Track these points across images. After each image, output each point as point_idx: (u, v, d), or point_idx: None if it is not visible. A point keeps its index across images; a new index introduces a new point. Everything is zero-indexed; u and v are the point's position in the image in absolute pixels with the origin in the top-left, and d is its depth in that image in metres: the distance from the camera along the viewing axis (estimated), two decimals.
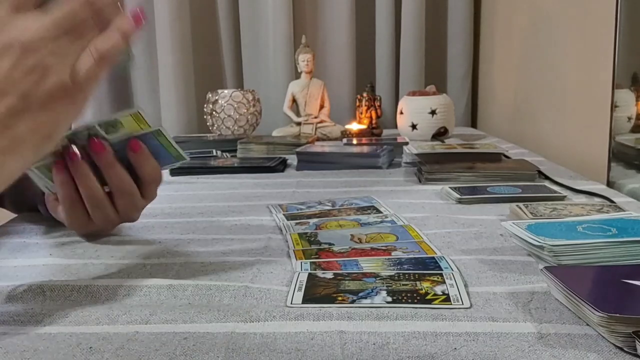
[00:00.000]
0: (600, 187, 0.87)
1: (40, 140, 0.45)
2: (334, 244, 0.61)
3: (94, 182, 0.61)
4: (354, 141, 1.38)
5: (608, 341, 0.39)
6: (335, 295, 0.47)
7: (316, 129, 1.56)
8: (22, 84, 0.43)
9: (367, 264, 0.54)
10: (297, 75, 1.65)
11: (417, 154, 1.06)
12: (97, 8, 0.46)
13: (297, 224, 0.70)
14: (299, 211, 0.77)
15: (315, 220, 0.71)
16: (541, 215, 0.68)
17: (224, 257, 0.59)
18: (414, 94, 1.52)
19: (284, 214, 0.75)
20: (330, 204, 0.80)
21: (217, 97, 1.54)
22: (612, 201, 0.76)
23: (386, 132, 1.59)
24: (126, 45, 0.47)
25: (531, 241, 0.53)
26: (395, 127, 1.56)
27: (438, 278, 0.50)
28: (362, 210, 0.76)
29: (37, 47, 0.44)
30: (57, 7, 0.45)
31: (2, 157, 0.44)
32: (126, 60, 0.50)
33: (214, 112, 1.54)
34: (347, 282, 0.50)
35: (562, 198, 0.79)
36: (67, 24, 0.45)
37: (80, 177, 0.60)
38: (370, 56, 1.88)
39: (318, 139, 1.49)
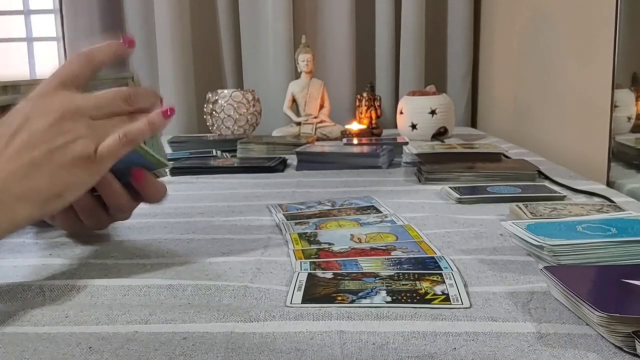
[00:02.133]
0: (600, 187, 0.87)
1: (52, 196, 0.49)
2: (333, 244, 0.61)
3: (87, 196, 0.60)
4: (354, 141, 1.38)
5: (608, 341, 0.39)
6: (334, 295, 0.47)
7: (316, 129, 1.56)
8: (51, 143, 0.49)
9: (367, 264, 0.54)
10: (297, 75, 1.65)
11: (417, 154, 1.06)
12: (133, 99, 0.54)
13: (297, 223, 0.70)
14: (299, 211, 0.77)
15: (315, 220, 0.71)
16: (541, 215, 0.68)
17: (224, 257, 0.59)
18: (413, 93, 1.52)
19: (283, 214, 0.75)
20: (330, 204, 0.80)
21: (217, 97, 1.54)
22: (611, 201, 0.76)
23: (386, 132, 1.59)
24: (153, 132, 0.54)
25: (531, 241, 0.53)
26: (395, 127, 1.56)
27: (438, 278, 0.50)
28: (362, 210, 0.76)
29: (73, 117, 0.50)
30: (100, 94, 0.53)
31: (16, 203, 0.48)
32: (155, 146, 0.58)
33: (214, 112, 1.54)
34: (346, 282, 0.50)
35: (562, 198, 0.79)
36: (104, 105, 0.52)
37: None
38: (370, 56, 1.88)
39: (318, 139, 1.49)
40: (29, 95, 0.52)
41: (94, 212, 0.61)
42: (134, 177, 0.59)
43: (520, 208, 0.70)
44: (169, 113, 0.55)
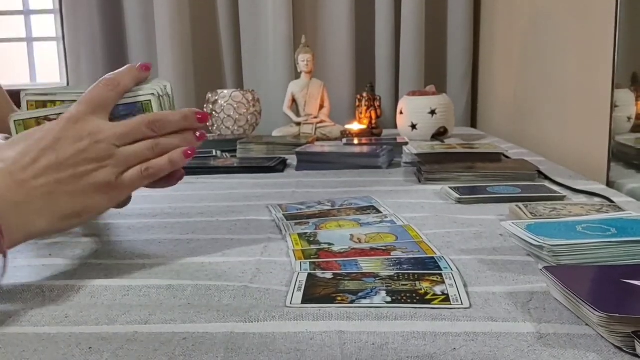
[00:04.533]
0: (600, 187, 0.87)
1: (69, 216, 0.53)
2: (333, 244, 0.61)
3: None
4: (354, 141, 1.38)
5: (607, 341, 0.39)
6: (334, 295, 0.47)
7: (316, 129, 1.56)
8: (77, 168, 0.52)
9: (367, 264, 0.54)
10: (297, 75, 1.65)
11: (417, 154, 1.06)
12: (158, 127, 0.56)
13: (296, 224, 0.70)
14: (299, 211, 0.77)
15: (315, 220, 0.71)
16: (541, 215, 0.68)
17: (224, 257, 0.59)
18: (413, 94, 1.52)
19: (283, 214, 0.75)
20: (330, 204, 0.80)
21: (217, 97, 1.54)
22: (611, 201, 0.76)
23: (386, 132, 1.59)
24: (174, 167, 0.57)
25: (531, 241, 0.53)
26: (395, 127, 1.56)
27: (437, 278, 0.50)
28: (362, 210, 0.76)
29: (103, 143, 0.53)
30: (127, 122, 0.56)
31: (35, 216, 0.50)
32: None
33: (213, 112, 1.54)
34: (346, 282, 0.50)
35: (562, 198, 0.79)
36: (130, 137, 0.55)
37: None
38: (370, 56, 1.88)
39: (318, 139, 1.49)
40: (61, 116, 0.55)
41: None
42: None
43: (520, 208, 0.70)
44: (190, 153, 0.58)
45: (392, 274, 0.51)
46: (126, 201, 0.62)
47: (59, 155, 0.52)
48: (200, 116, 0.58)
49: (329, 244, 0.61)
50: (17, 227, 0.49)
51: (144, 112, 0.59)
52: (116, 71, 0.59)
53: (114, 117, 0.57)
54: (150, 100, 0.59)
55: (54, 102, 0.61)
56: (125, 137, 0.55)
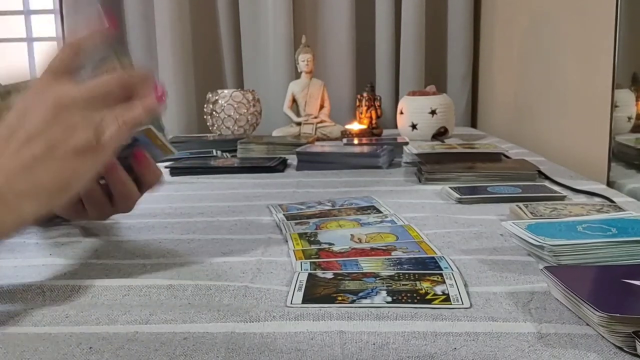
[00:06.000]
0: (600, 187, 0.87)
1: (56, 191, 0.49)
2: (334, 244, 0.61)
3: (94, 184, 0.60)
4: (354, 141, 1.38)
5: (608, 341, 0.39)
6: (335, 295, 0.47)
7: (316, 129, 1.56)
8: (50, 137, 0.48)
9: (367, 264, 0.54)
10: (297, 75, 1.65)
11: (417, 154, 1.06)
12: (127, 84, 0.53)
13: (297, 224, 0.70)
14: (299, 211, 0.77)
15: (315, 220, 0.71)
16: (541, 215, 0.67)
17: (224, 257, 0.59)
18: (414, 94, 1.52)
19: (284, 214, 0.75)
20: (330, 204, 0.80)
21: (217, 97, 1.54)
22: (612, 201, 0.76)
23: (386, 132, 1.59)
24: (149, 116, 0.54)
25: (531, 241, 0.53)
26: (395, 127, 1.56)
27: (438, 278, 0.50)
28: (362, 210, 0.76)
29: (70, 107, 0.50)
30: (95, 81, 0.52)
31: (21, 200, 0.47)
32: (157, 129, 0.58)
33: (214, 112, 1.54)
34: (347, 282, 0.50)
35: (562, 198, 0.79)
36: (98, 93, 0.51)
37: None
38: (370, 56, 1.88)
39: (318, 139, 1.49)
40: (23, 91, 0.52)
41: (99, 200, 0.61)
42: (134, 157, 0.59)
43: (520, 208, 0.70)
44: (163, 98, 0.55)
45: (393, 273, 0.51)
46: (130, 206, 0.62)
47: (28, 129, 0.48)
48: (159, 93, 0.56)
49: (330, 243, 0.61)
50: (5, 216, 0.47)
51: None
52: (80, 34, 0.56)
53: (78, 73, 0.53)
54: (110, 57, 0.57)
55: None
56: (94, 98, 0.51)
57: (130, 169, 0.60)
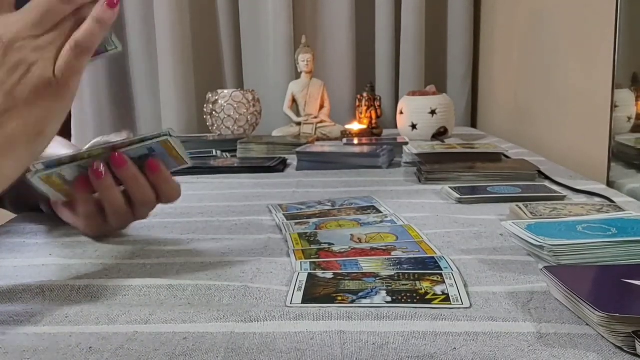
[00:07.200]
0: (600, 187, 0.87)
1: (32, 137, 0.46)
2: (333, 244, 0.61)
3: (117, 193, 0.60)
4: (354, 141, 1.38)
5: (608, 341, 0.39)
6: (335, 295, 0.47)
7: (316, 129, 1.56)
8: (5, 82, 0.44)
9: (367, 264, 0.54)
10: (297, 75, 1.65)
11: (417, 154, 1.06)
12: (73, 3, 0.47)
13: (297, 224, 0.70)
14: (299, 211, 0.77)
15: (315, 220, 0.71)
16: (541, 215, 0.67)
17: (224, 257, 0.59)
18: (414, 94, 1.52)
19: (284, 214, 0.75)
20: (330, 204, 0.80)
21: (217, 97, 1.54)
22: (612, 201, 0.76)
23: (386, 132, 1.59)
24: (106, 33, 0.48)
25: (531, 241, 0.53)
26: (395, 127, 1.56)
27: (438, 278, 0.50)
28: (362, 210, 0.76)
29: (19, 45, 0.44)
30: (34, 5, 0.45)
31: None
32: (113, 49, 0.51)
33: (214, 112, 1.54)
34: (346, 282, 0.50)
35: (562, 198, 0.79)
36: (46, 22, 0.46)
37: (103, 191, 0.60)
38: (370, 56, 1.88)
39: (318, 139, 1.49)
40: None
41: (121, 208, 0.61)
42: (148, 168, 0.59)
43: (520, 208, 0.70)
44: (114, 1, 0.48)
45: (393, 273, 0.51)
46: (148, 213, 0.62)
47: None
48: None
49: (329, 243, 0.61)
50: None
51: None
52: None
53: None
54: None
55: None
56: (40, 24, 0.46)
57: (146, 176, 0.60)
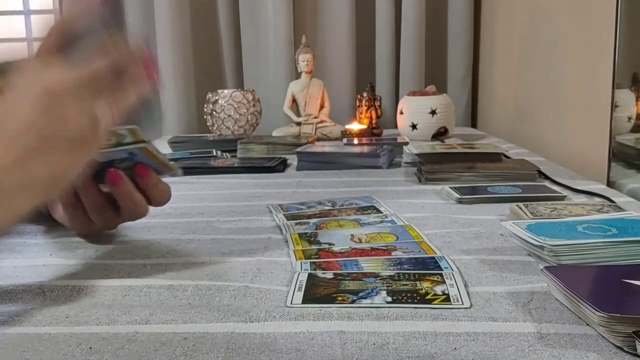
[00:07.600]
0: (600, 187, 0.87)
1: (52, 181, 0.48)
2: (334, 244, 0.61)
3: (96, 195, 0.61)
4: (354, 141, 1.38)
5: (608, 341, 0.39)
6: (335, 295, 0.47)
7: (316, 129, 1.56)
8: (43, 129, 0.46)
9: (367, 264, 0.54)
10: (297, 75, 1.65)
11: (417, 154, 1.06)
12: (120, 68, 0.51)
13: (297, 224, 0.70)
14: (299, 211, 0.77)
15: (315, 220, 0.71)
16: (541, 215, 0.67)
17: (224, 257, 0.59)
18: (414, 94, 1.52)
19: (284, 214, 0.75)
20: (330, 204, 0.80)
21: (217, 97, 1.54)
22: (612, 201, 0.76)
23: (386, 132, 1.59)
24: (143, 103, 0.53)
25: (531, 241, 0.53)
26: (395, 127, 1.56)
27: (438, 278, 0.50)
28: (362, 210, 0.76)
29: (62, 96, 0.48)
30: (88, 68, 0.49)
31: (16, 194, 0.46)
32: (156, 112, 0.57)
33: (214, 112, 1.54)
34: (347, 282, 0.50)
35: (562, 198, 0.79)
36: (91, 81, 0.49)
37: (83, 191, 0.61)
38: (370, 56, 1.88)
39: (318, 139, 1.49)
40: (10, 80, 0.48)
41: (103, 210, 0.61)
42: (137, 173, 0.59)
43: (520, 208, 0.70)
44: (157, 78, 0.53)
45: (393, 273, 0.51)
46: (139, 216, 0.62)
47: (19, 122, 0.46)
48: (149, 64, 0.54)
49: (330, 244, 0.61)
50: (0, 212, 0.45)
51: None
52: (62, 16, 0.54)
53: (70, 53, 0.51)
54: (102, 32, 0.53)
55: None
56: (86, 80, 0.49)
57: (134, 181, 0.60)
